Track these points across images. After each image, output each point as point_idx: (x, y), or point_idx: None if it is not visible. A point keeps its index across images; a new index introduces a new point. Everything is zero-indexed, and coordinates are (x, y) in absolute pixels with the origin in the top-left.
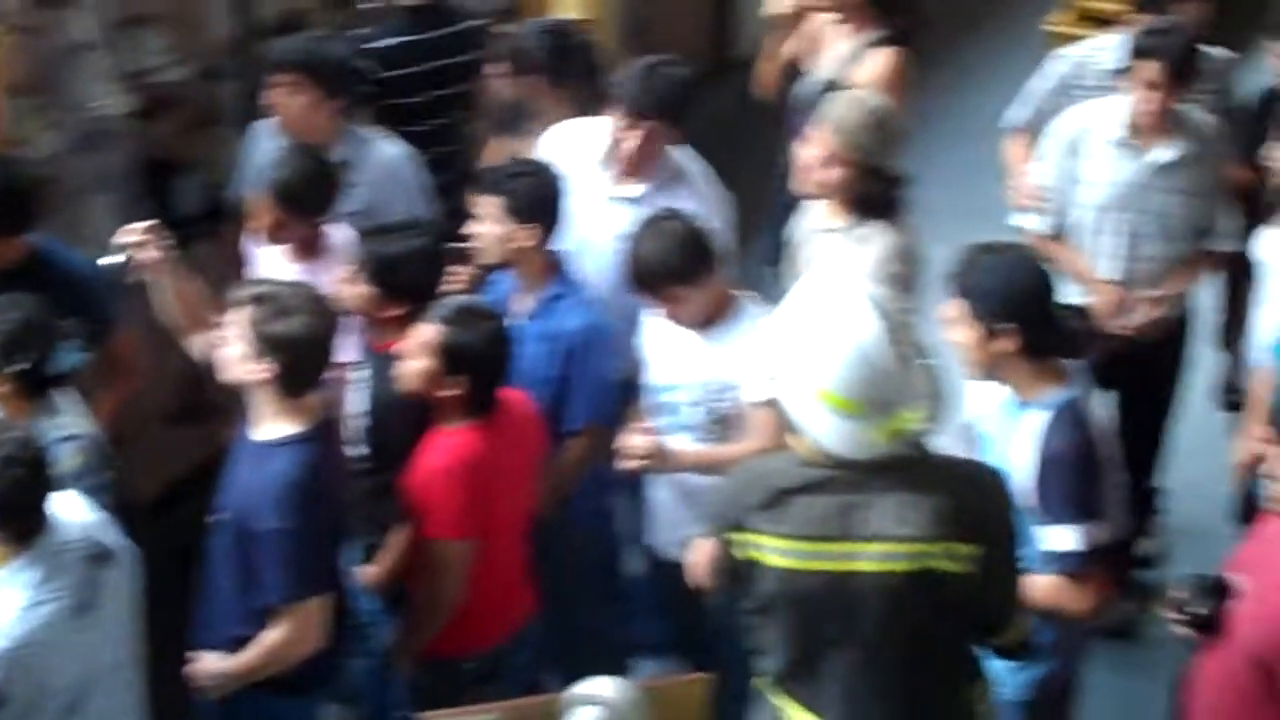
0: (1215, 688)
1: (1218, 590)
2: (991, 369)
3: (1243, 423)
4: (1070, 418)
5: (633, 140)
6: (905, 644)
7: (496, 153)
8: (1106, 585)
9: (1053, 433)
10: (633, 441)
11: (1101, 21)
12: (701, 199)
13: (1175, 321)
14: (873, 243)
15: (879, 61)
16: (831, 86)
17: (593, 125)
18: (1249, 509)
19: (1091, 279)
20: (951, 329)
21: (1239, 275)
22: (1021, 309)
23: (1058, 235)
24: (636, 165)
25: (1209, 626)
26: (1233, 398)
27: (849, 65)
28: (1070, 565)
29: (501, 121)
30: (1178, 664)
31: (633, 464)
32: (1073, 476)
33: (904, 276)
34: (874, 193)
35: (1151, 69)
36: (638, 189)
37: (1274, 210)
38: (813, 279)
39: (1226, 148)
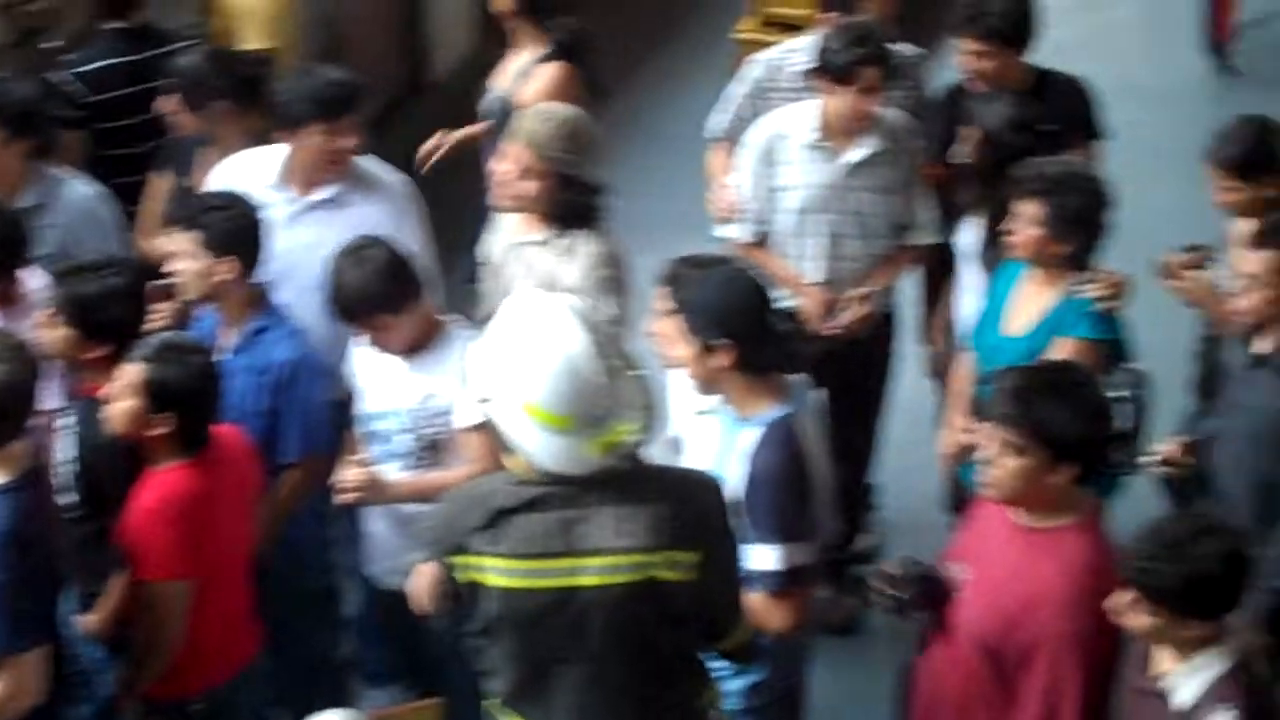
0: (943, 676)
1: (925, 580)
2: (709, 384)
3: (946, 413)
4: (779, 436)
5: (310, 145)
6: (633, 656)
7: (159, 189)
8: (806, 604)
9: (761, 451)
10: (347, 475)
11: (787, 26)
12: (396, 209)
13: (881, 318)
14: (578, 252)
15: (544, 76)
16: (505, 102)
17: (268, 152)
18: (959, 498)
19: (797, 283)
20: (661, 341)
21: (937, 268)
22: (737, 324)
23: (761, 242)
24: (317, 169)
25: (907, 608)
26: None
27: (520, 81)
28: (770, 584)
29: (167, 155)
30: (900, 656)
31: (348, 497)
32: (777, 496)
33: (615, 280)
34: (573, 202)
35: (871, 74)
36: (327, 191)
37: (969, 203)
38: (519, 295)
39: (919, 143)
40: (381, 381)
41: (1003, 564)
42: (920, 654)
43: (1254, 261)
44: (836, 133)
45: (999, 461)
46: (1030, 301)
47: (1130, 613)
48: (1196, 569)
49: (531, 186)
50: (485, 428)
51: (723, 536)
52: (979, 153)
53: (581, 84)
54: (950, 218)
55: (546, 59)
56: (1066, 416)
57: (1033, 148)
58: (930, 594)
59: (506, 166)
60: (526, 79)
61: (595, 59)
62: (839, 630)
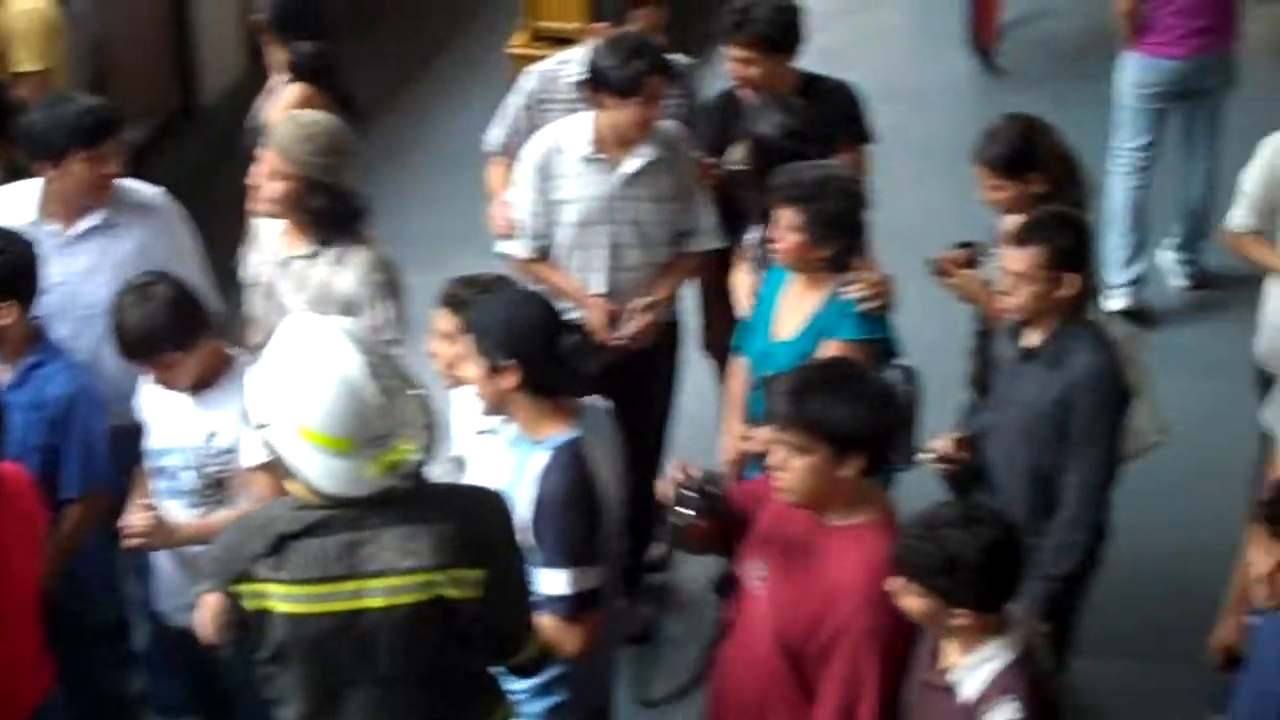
0: (742, 675)
1: (716, 500)
2: (497, 405)
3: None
4: (568, 460)
5: (73, 174)
6: (421, 676)
7: None
8: (597, 627)
9: (549, 475)
10: (133, 518)
11: (559, 39)
12: (166, 226)
13: (665, 326)
14: (349, 261)
15: (284, 97)
16: (257, 122)
17: (21, 187)
18: None
19: (580, 295)
20: (443, 360)
21: (718, 274)
22: (524, 346)
23: (542, 256)
24: (81, 198)
25: (693, 513)
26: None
27: (269, 101)
28: (560, 609)
29: None
30: (696, 662)
31: (134, 542)
32: (565, 521)
33: (390, 285)
34: (328, 209)
35: (655, 84)
36: (95, 218)
37: (749, 210)
38: (292, 318)
39: (694, 150)
40: (167, 417)
41: (803, 563)
42: (722, 652)
43: (1020, 258)
44: (612, 144)
45: (787, 464)
46: (796, 306)
47: (902, 594)
48: (955, 552)
49: (279, 188)
50: (271, 466)
51: (508, 553)
52: (753, 159)
53: (326, 103)
54: (731, 223)
55: (290, 80)
56: (844, 408)
57: (806, 153)
58: (714, 511)
59: (258, 171)
60: (275, 99)
61: (340, 79)
62: (636, 640)
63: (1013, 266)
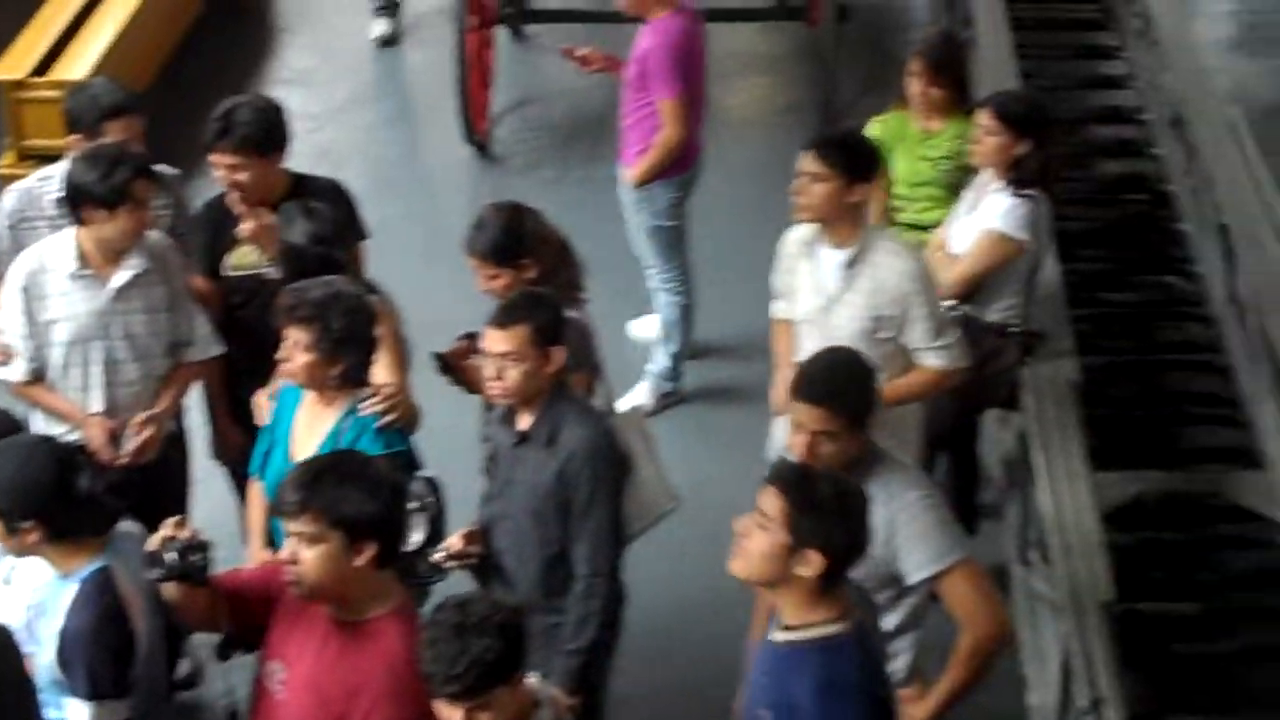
0: None
1: (185, 575)
2: (23, 553)
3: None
4: (92, 591)
5: None
6: None
7: None
8: None
9: (75, 609)
10: None
11: (46, 157)
12: None
13: (170, 438)
14: None
15: None
16: None
17: None
18: None
19: (77, 416)
20: None
21: (220, 382)
22: (37, 505)
23: (38, 378)
24: None
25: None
26: None
27: None
28: None
29: None
30: None
31: None
32: (88, 654)
33: None
34: None
35: (142, 189)
36: None
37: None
38: None
39: (182, 259)
40: None
41: (323, 659)
42: None
43: (504, 339)
44: (98, 259)
45: (300, 555)
46: (313, 425)
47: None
48: (458, 649)
49: None
50: None
51: (15, 689)
52: (285, 268)
53: None
54: (235, 333)
55: None
56: (354, 495)
57: (334, 259)
58: (187, 578)
59: None
60: None
61: None
62: None
63: (498, 348)
